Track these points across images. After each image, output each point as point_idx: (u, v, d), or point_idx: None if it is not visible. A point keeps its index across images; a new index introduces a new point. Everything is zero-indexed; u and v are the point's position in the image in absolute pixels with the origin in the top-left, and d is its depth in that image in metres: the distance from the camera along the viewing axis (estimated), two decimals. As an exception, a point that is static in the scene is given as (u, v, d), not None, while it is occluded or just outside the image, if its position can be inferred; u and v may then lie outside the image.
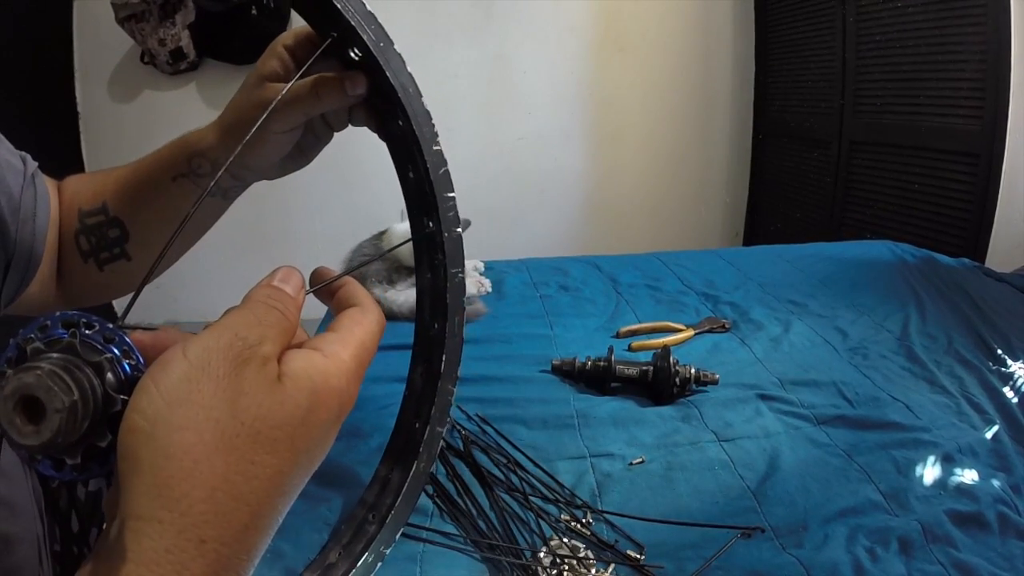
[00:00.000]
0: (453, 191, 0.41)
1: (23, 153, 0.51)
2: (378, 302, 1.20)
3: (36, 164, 0.51)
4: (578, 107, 2.79)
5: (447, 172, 0.41)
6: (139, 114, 2.51)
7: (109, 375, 0.24)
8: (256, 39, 2.40)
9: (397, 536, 0.41)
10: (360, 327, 0.31)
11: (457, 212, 0.42)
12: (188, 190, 0.50)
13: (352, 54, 0.40)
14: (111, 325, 0.25)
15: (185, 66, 2.43)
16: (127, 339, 0.25)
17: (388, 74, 0.39)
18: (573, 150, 2.82)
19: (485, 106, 2.73)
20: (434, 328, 0.43)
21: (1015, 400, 0.85)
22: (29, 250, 0.48)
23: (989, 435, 0.78)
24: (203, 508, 0.23)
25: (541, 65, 2.72)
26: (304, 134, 0.48)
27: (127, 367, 0.25)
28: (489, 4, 2.62)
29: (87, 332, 0.24)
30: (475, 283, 1.26)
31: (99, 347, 0.24)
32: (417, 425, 0.43)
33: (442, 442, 0.73)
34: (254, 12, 2.27)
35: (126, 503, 0.22)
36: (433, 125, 0.41)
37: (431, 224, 0.41)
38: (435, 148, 0.40)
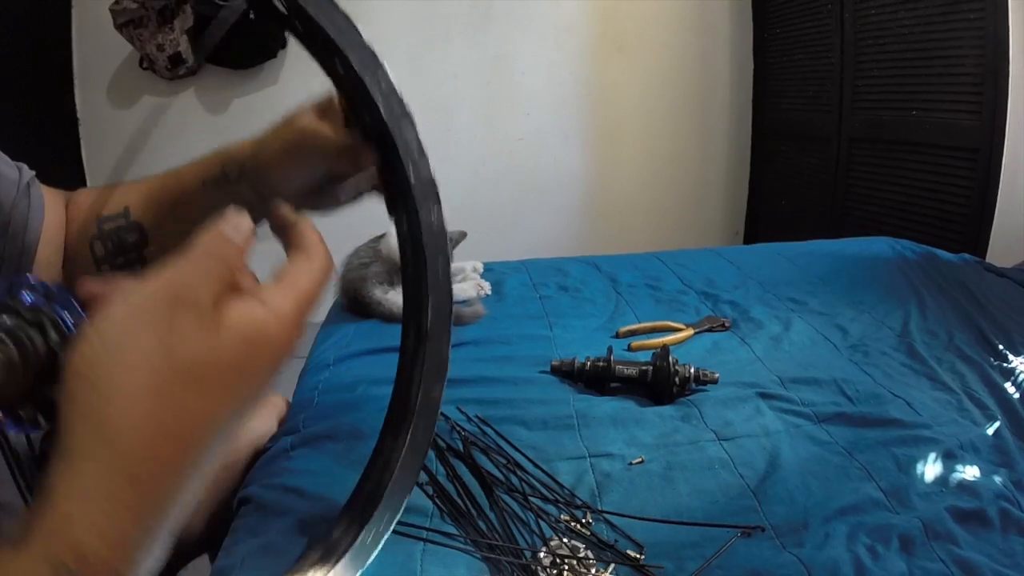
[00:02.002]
0: (415, 126, 0.40)
1: (20, 164, 0.51)
2: (379, 304, 1.19)
3: (32, 174, 0.51)
4: (577, 107, 2.79)
5: (408, 114, 0.40)
6: (138, 119, 2.52)
7: (52, 332, 0.26)
8: (254, 44, 2.41)
9: (401, 509, 0.41)
10: (305, 276, 0.31)
11: (421, 146, 0.41)
12: (216, 197, 0.50)
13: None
14: (53, 285, 0.27)
15: (184, 71, 2.44)
16: (70, 296, 0.27)
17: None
18: (572, 150, 2.82)
19: (484, 107, 2.73)
20: (415, 284, 0.41)
21: (1016, 395, 0.85)
22: (15, 265, 0.48)
23: (991, 431, 0.77)
24: (135, 446, 0.24)
25: (540, 65, 2.72)
26: (340, 182, 0.50)
27: (69, 322, 0.27)
28: (488, 5, 2.62)
29: (27, 294, 0.26)
30: (475, 286, 1.26)
31: (42, 307, 0.26)
32: (412, 390, 0.42)
33: (442, 443, 0.73)
34: (252, 17, 2.28)
35: (66, 444, 0.24)
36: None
37: (393, 160, 0.40)
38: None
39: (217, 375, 0.26)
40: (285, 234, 0.34)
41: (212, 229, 0.29)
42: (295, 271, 0.31)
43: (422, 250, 0.40)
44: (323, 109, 0.48)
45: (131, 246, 0.51)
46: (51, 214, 0.52)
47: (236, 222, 0.30)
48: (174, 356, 0.25)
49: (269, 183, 0.49)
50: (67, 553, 0.22)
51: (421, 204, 0.40)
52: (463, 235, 1.24)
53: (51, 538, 0.22)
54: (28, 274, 0.28)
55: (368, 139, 0.43)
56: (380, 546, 0.40)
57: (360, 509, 0.41)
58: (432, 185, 0.41)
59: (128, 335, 0.25)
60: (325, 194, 0.51)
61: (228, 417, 0.27)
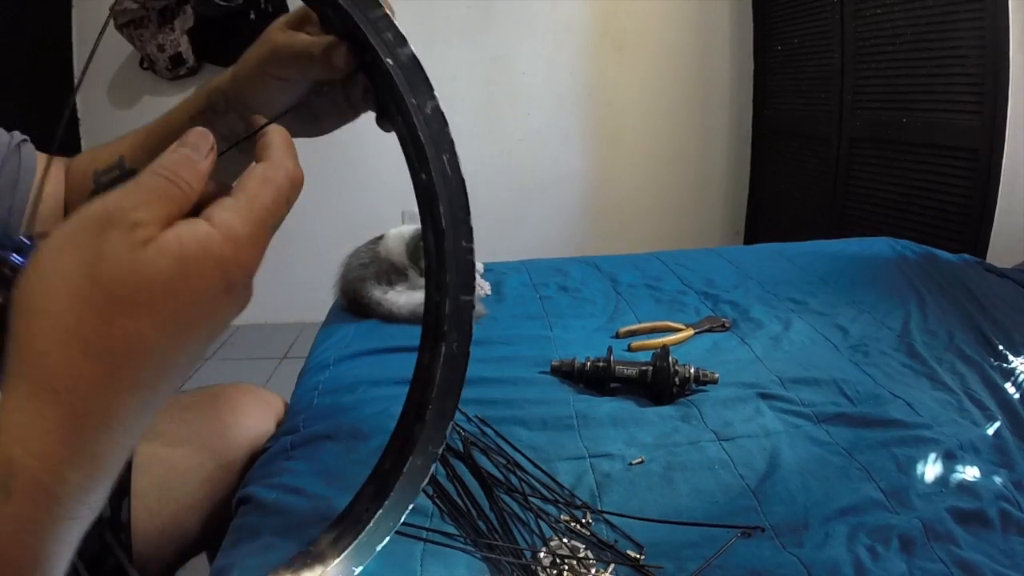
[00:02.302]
0: (388, 13, 0.37)
1: (13, 132, 0.50)
2: (378, 304, 1.19)
3: (24, 137, 0.50)
4: (577, 107, 2.79)
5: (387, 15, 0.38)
6: (139, 119, 2.48)
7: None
8: (253, 42, 2.41)
9: (448, 430, 0.39)
10: (266, 188, 0.28)
11: (399, 32, 0.38)
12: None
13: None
14: (23, 237, 0.28)
15: (184, 71, 2.44)
16: (35, 242, 0.28)
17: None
18: (572, 150, 2.82)
19: (484, 107, 2.73)
20: (422, 178, 0.38)
21: (1017, 396, 0.85)
22: (4, 223, 0.47)
23: (991, 431, 0.77)
24: (57, 362, 0.24)
25: (540, 66, 2.72)
26: (318, 98, 0.47)
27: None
28: (488, 5, 2.63)
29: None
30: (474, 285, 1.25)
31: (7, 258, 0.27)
32: (438, 299, 0.39)
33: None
34: (252, 17, 2.28)
35: (5, 368, 0.24)
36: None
37: (367, 52, 0.37)
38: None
39: (145, 294, 0.24)
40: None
41: (171, 148, 0.28)
42: (253, 184, 0.28)
43: (421, 145, 0.37)
44: (299, 19, 0.46)
45: None
46: (49, 178, 0.51)
47: (195, 140, 0.28)
48: (97, 274, 0.24)
49: (252, 106, 0.47)
50: None
51: (407, 92, 0.37)
52: None
53: None
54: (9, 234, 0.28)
55: (341, 36, 0.40)
56: (427, 478, 0.39)
57: (405, 436, 0.39)
58: (417, 70, 0.38)
59: (54, 258, 0.25)
60: (315, 113, 0.48)
61: (165, 342, 0.25)
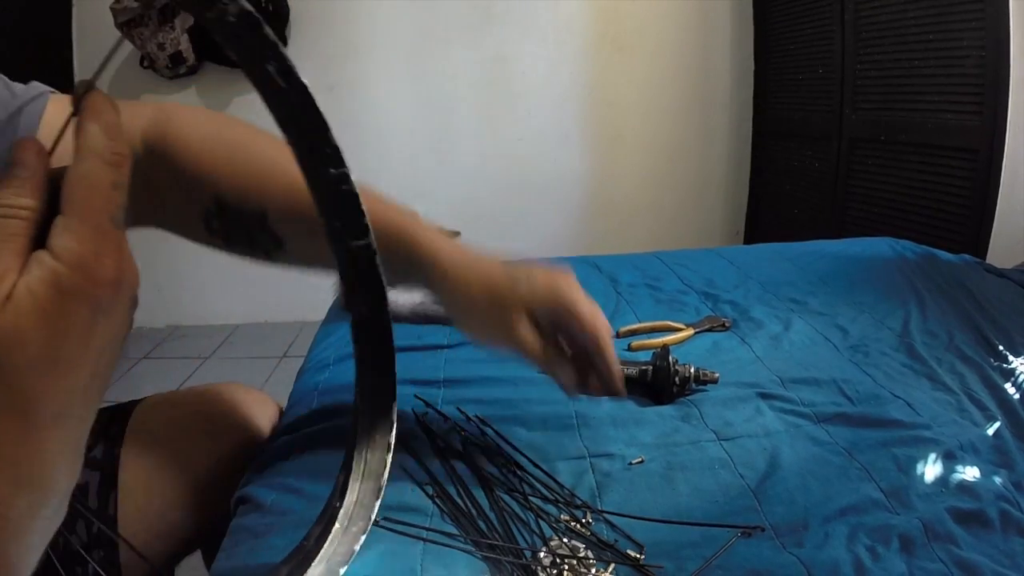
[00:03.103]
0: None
1: (34, 83, 0.50)
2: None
3: (48, 89, 0.51)
4: (577, 107, 2.79)
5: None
6: (139, 118, 2.51)
7: None
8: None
9: (392, 413, 0.37)
10: (88, 189, 0.26)
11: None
12: None
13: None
14: None
15: (184, 70, 2.44)
16: None
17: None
18: (573, 150, 2.82)
19: (484, 107, 2.73)
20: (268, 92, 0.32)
21: (1017, 396, 0.85)
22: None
23: (991, 432, 0.77)
24: None
25: (540, 66, 2.72)
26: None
27: None
28: (488, 5, 2.62)
29: None
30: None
31: None
32: (335, 253, 0.36)
33: (442, 443, 0.73)
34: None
35: None
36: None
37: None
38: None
39: (20, 356, 0.24)
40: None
41: None
42: (74, 190, 0.26)
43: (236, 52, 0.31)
44: None
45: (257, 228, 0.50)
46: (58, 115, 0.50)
47: (18, 156, 0.26)
48: None
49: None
50: None
51: None
52: (456, 235, 1.23)
53: None
54: None
55: None
56: (386, 468, 0.37)
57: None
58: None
59: None
60: None
61: (63, 381, 0.26)
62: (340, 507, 0.37)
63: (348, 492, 0.38)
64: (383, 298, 0.35)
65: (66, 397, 0.26)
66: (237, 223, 0.50)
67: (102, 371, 0.28)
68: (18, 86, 0.51)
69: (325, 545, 0.37)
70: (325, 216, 0.33)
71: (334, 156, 0.32)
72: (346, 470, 0.38)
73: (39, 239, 0.26)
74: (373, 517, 0.37)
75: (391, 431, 0.37)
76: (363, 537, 0.37)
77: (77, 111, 0.27)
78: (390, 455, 0.37)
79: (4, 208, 0.25)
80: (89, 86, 0.28)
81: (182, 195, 0.52)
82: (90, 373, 0.27)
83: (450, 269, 0.56)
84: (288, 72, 0.30)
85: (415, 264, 0.55)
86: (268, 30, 0.29)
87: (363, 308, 0.35)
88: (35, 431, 0.25)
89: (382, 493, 0.37)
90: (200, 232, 0.52)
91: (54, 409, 0.26)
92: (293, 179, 0.46)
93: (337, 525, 0.37)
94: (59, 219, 0.26)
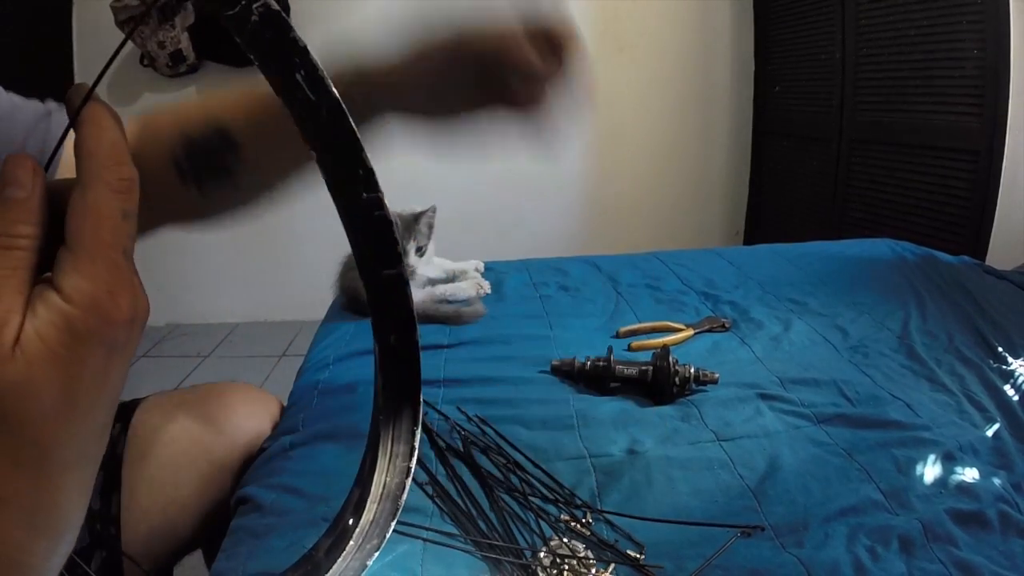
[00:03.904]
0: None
1: (50, 101, 0.49)
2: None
3: (59, 104, 0.48)
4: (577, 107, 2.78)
5: None
6: (139, 117, 2.52)
7: None
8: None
9: (415, 439, 0.36)
10: (96, 221, 0.24)
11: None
12: None
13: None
14: None
15: (185, 69, 2.44)
16: None
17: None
18: (572, 150, 2.82)
19: (484, 107, 2.72)
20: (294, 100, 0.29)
21: (1016, 398, 0.85)
22: None
23: (990, 433, 0.77)
24: None
25: (540, 65, 2.71)
26: None
27: None
28: (488, 5, 2.62)
29: None
30: (474, 285, 1.26)
31: None
32: (364, 281, 0.33)
33: (442, 443, 0.73)
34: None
35: None
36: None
37: None
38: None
39: (34, 404, 0.23)
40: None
41: None
42: (80, 224, 0.24)
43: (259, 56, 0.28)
44: None
45: (226, 162, 0.48)
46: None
47: (11, 172, 0.24)
48: None
49: None
50: None
51: None
52: (432, 209, 1.23)
53: None
54: None
55: None
56: (406, 490, 0.36)
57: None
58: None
59: None
60: None
61: (78, 423, 0.25)
62: (355, 525, 0.37)
63: (365, 512, 0.37)
64: (413, 327, 0.33)
65: (82, 442, 0.25)
66: (204, 152, 0.48)
67: (114, 405, 0.27)
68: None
69: (338, 560, 0.36)
70: (355, 242, 0.30)
71: (367, 178, 0.29)
72: (362, 486, 0.37)
73: (39, 266, 0.24)
74: (388, 536, 0.37)
75: (412, 456, 0.36)
76: (376, 554, 0.37)
77: (73, 123, 0.25)
78: (409, 479, 0.36)
79: (1, 238, 0.23)
80: (88, 95, 0.25)
81: (151, 146, 0.50)
82: (106, 414, 0.26)
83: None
84: (319, 82, 0.27)
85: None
86: (297, 33, 0.26)
87: (391, 336, 0.33)
88: (51, 479, 0.24)
89: (399, 514, 0.37)
90: (174, 183, 0.49)
91: (70, 455, 0.25)
92: (241, 92, 0.46)
93: (352, 543, 0.37)
94: (65, 254, 0.24)
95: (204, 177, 0.48)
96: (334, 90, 0.27)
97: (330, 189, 0.30)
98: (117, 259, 0.24)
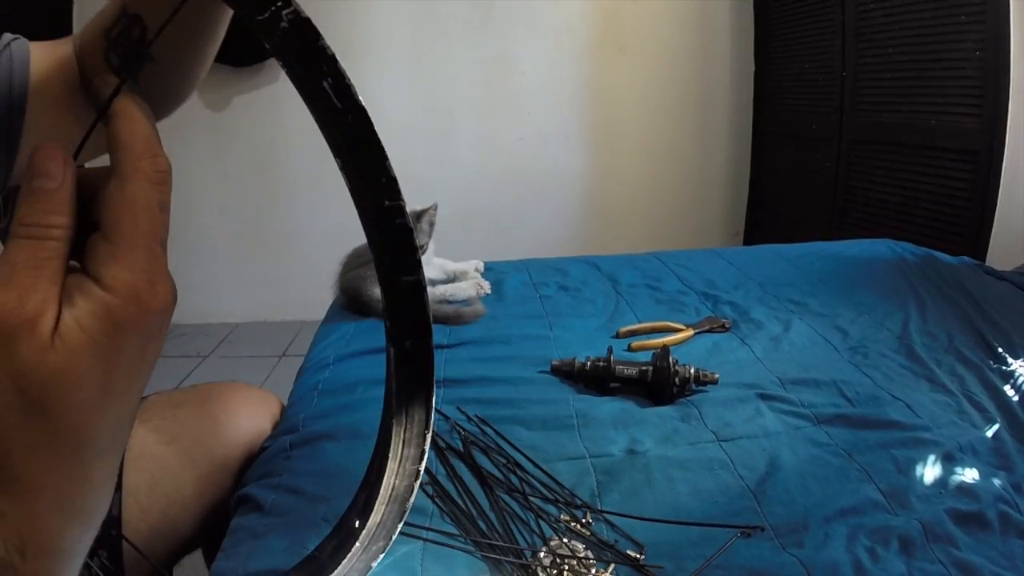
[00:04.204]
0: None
1: (6, 34, 0.47)
2: (378, 302, 1.19)
3: (15, 36, 0.47)
4: (577, 107, 2.79)
5: None
6: (139, 117, 2.51)
7: None
8: (255, 42, 2.40)
9: (425, 444, 0.36)
10: (135, 213, 0.24)
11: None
12: None
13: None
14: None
15: (184, 69, 2.43)
16: None
17: None
18: (572, 150, 2.82)
19: (485, 107, 2.73)
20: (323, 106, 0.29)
21: (1016, 398, 0.85)
22: (7, 125, 0.46)
23: (990, 433, 0.77)
24: (24, 470, 0.23)
25: (540, 65, 2.72)
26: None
27: None
28: (488, 5, 2.62)
29: None
30: (475, 285, 1.26)
31: None
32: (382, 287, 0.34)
33: (442, 443, 0.73)
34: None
35: None
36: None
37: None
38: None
39: (74, 393, 0.23)
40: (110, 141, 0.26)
41: (21, 191, 0.24)
42: (118, 216, 0.24)
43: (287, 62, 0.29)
44: None
45: (138, 40, 0.47)
46: (43, 59, 0.48)
47: (41, 165, 0.24)
48: (25, 387, 0.22)
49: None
50: None
51: None
52: (434, 207, 1.23)
53: None
54: None
55: None
56: (413, 494, 0.36)
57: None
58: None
59: None
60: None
61: (113, 411, 0.25)
62: (361, 527, 0.37)
63: (373, 513, 0.37)
64: (428, 333, 0.34)
65: (116, 429, 0.26)
66: (122, 39, 0.46)
67: (139, 394, 0.27)
68: None
69: (343, 562, 0.37)
70: (375, 248, 0.31)
71: (390, 186, 0.30)
72: (368, 489, 0.38)
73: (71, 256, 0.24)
74: (394, 537, 0.37)
75: (422, 460, 0.36)
76: (382, 555, 0.37)
77: (103, 115, 0.25)
78: (418, 482, 0.37)
79: (35, 228, 0.23)
80: (118, 88, 0.25)
81: (89, 57, 0.49)
82: (137, 401, 0.27)
83: None
84: (346, 91, 0.27)
85: None
86: (325, 41, 0.27)
87: (407, 341, 0.34)
88: (85, 466, 0.25)
89: (406, 516, 0.37)
90: (106, 72, 0.48)
91: (104, 442, 0.25)
92: None
93: (358, 544, 0.37)
94: (103, 244, 0.24)
95: (129, 62, 0.47)
96: (360, 99, 0.28)
97: (353, 195, 0.31)
98: (155, 249, 0.25)
